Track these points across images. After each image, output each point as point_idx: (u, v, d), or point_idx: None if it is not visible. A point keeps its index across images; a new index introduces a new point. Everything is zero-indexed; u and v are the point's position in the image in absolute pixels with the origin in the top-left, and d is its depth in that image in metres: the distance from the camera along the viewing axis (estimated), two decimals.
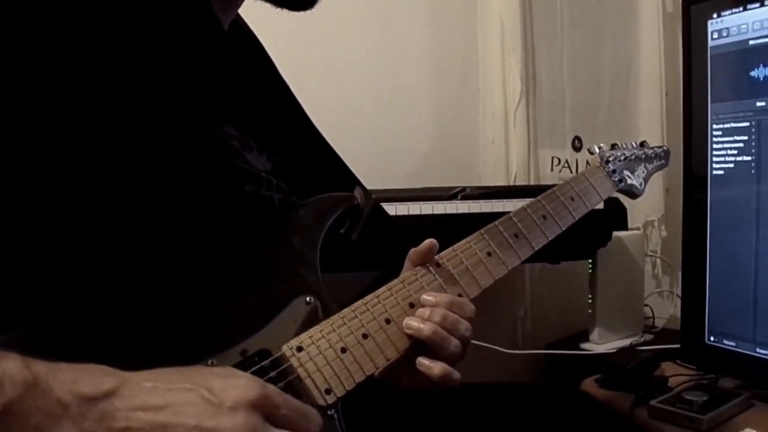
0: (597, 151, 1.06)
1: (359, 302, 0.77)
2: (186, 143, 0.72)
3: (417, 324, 0.77)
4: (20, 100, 0.62)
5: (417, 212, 1.44)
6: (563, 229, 0.94)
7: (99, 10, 0.68)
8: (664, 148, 1.16)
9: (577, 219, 0.96)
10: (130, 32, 0.70)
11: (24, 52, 0.63)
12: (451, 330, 0.78)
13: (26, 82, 0.63)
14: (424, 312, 0.78)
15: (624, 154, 1.07)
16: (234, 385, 0.57)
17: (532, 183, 1.91)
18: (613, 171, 1.04)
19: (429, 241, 0.83)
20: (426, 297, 0.79)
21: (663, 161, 1.16)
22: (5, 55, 0.62)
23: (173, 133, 0.71)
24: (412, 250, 0.84)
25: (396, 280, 0.80)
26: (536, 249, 0.90)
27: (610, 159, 1.05)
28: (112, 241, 0.67)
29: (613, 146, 1.08)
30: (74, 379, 0.53)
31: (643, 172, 1.10)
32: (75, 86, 0.65)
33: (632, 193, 1.10)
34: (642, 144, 1.13)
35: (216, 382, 0.57)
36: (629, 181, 1.07)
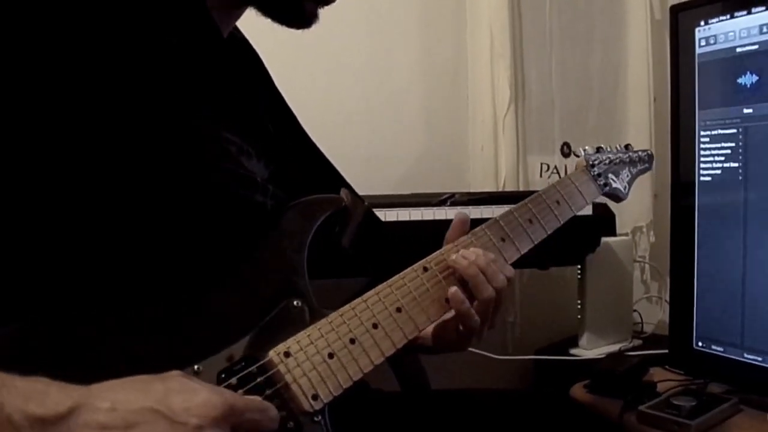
0: (582, 153, 1.06)
1: (347, 307, 0.76)
2: (178, 146, 0.72)
3: (463, 261, 0.83)
4: (11, 104, 0.62)
5: (406, 218, 1.45)
6: (549, 233, 0.94)
7: (97, 14, 0.68)
8: (648, 151, 1.16)
9: (562, 223, 0.96)
10: (127, 36, 0.70)
11: (15, 57, 0.63)
12: (490, 277, 0.84)
13: (18, 85, 0.63)
14: (469, 254, 0.84)
15: (609, 158, 1.07)
16: (196, 402, 0.56)
17: (521, 189, 1.91)
18: (599, 175, 1.04)
19: (460, 215, 0.89)
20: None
21: (647, 165, 1.16)
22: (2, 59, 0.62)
23: (165, 136, 0.71)
24: (449, 233, 0.89)
25: (383, 285, 0.80)
26: (522, 253, 0.91)
27: (596, 162, 1.05)
28: (98, 244, 0.67)
29: (599, 149, 1.08)
30: (26, 398, 0.52)
31: (628, 175, 1.10)
32: (69, 89, 0.65)
33: (617, 197, 1.10)
34: (626, 147, 1.13)
35: (176, 400, 0.56)
36: (614, 185, 1.07)
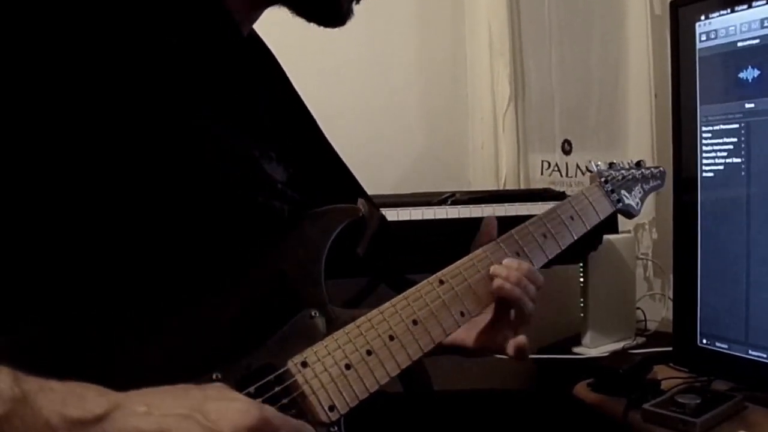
0: (595, 169, 1.06)
1: (363, 318, 0.77)
2: (196, 151, 0.71)
3: (501, 283, 0.86)
4: (11, 103, 0.61)
5: (407, 218, 1.44)
6: (563, 248, 0.95)
7: (118, 13, 0.67)
8: (661, 169, 1.16)
9: (576, 239, 0.97)
10: (148, 38, 0.69)
11: (35, 59, 0.62)
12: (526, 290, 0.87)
13: (19, 83, 0.62)
14: (503, 272, 0.87)
15: (622, 174, 1.08)
16: (231, 409, 0.56)
17: (522, 187, 1.91)
18: (612, 191, 1.05)
19: (488, 219, 0.91)
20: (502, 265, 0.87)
21: (659, 182, 1.16)
22: (17, 57, 0.61)
23: (185, 142, 0.70)
24: (478, 238, 0.91)
25: (400, 297, 0.81)
26: (536, 268, 0.92)
27: (609, 179, 1.05)
28: (117, 250, 0.66)
29: (611, 165, 1.09)
30: (64, 401, 0.52)
31: (640, 192, 1.10)
32: (88, 91, 0.64)
33: (629, 213, 1.10)
34: (638, 164, 1.13)
35: (212, 407, 0.56)
36: (626, 201, 1.07)
